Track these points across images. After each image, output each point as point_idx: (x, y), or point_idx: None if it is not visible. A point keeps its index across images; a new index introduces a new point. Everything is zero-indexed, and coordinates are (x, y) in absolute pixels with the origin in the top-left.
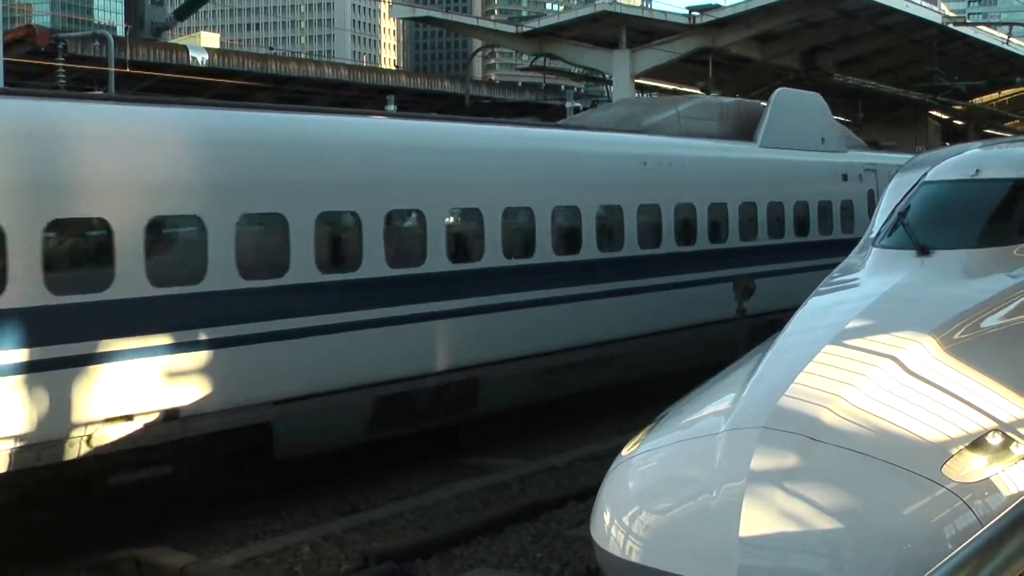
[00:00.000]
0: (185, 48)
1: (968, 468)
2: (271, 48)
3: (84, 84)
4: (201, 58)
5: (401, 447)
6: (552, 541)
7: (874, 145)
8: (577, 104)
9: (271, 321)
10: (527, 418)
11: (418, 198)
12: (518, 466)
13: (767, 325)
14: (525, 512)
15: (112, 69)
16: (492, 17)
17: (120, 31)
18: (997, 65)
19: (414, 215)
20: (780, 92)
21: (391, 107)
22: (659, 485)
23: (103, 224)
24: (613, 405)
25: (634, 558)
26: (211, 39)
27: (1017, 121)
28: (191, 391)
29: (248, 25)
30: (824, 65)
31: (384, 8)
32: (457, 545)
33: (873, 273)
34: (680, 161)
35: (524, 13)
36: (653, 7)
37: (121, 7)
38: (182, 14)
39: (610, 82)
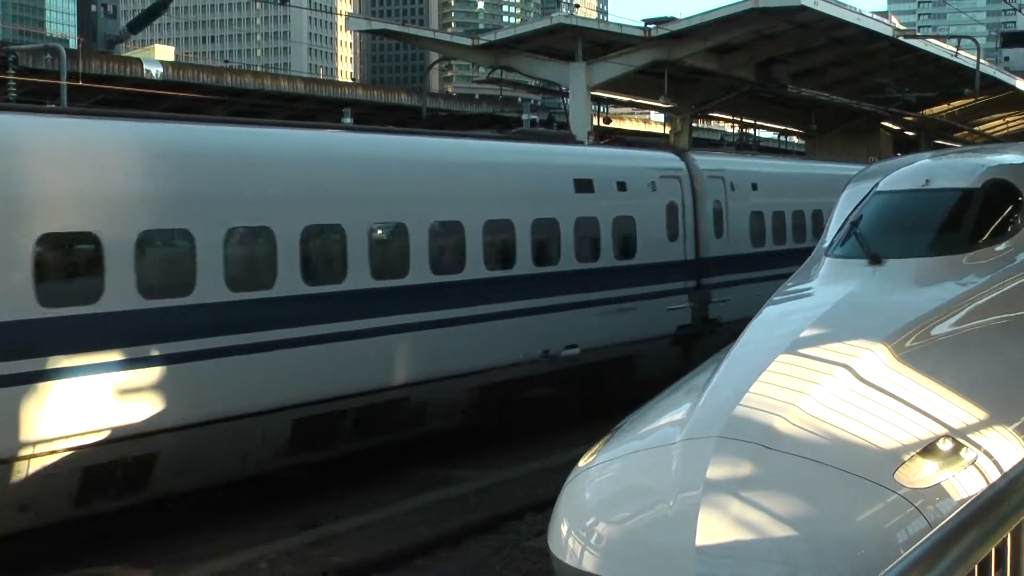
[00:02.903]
0: (139, 61)
1: (920, 474)
2: (227, 61)
3: (36, 98)
4: (156, 71)
5: (362, 460)
6: (511, 552)
7: None
8: (534, 116)
9: None
10: (487, 430)
11: None
12: (477, 478)
13: None
14: (484, 524)
15: (64, 82)
16: (449, 30)
17: (73, 44)
18: (946, 77)
19: None
20: None
21: (348, 120)
22: (616, 495)
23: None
24: (577, 417)
25: (591, 568)
26: (166, 52)
27: (966, 132)
28: None
29: (204, 38)
30: (779, 77)
31: (340, 21)
32: (417, 558)
33: (826, 282)
34: None
35: (481, 26)
36: (609, 20)
37: (74, 20)
38: (136, 27)
39: (567, 94)
